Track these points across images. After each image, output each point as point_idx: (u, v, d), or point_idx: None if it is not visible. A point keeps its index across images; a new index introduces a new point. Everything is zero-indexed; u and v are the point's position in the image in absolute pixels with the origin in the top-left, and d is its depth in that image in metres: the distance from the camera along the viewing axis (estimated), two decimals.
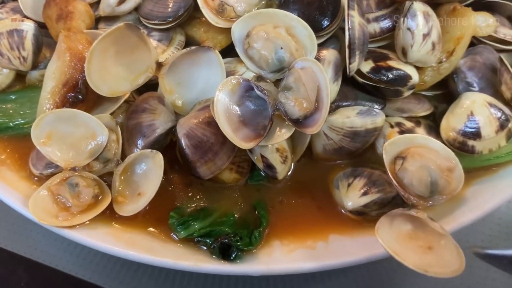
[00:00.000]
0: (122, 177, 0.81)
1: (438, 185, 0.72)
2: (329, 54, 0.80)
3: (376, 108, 0.83)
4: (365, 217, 0.79)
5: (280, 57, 0.77)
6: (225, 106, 0.76)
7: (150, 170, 0.79)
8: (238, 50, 0.81)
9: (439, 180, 0.72)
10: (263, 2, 0.87)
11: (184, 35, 0.89)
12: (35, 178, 0.85)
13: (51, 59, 0.84)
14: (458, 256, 0.66)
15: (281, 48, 0.77)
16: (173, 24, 0.86)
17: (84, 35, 0.84)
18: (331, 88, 0.78)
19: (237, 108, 0.77)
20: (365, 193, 0.78)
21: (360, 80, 0.82)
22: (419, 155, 0.73)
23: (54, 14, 0.91)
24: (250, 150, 0.80)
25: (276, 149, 0.79)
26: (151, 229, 0.79)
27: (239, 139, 0.74)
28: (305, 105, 0.73)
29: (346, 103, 0.83)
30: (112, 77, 0.80)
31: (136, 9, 0.90)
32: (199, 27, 0.87)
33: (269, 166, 0.79)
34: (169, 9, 0.86)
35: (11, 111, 0.91)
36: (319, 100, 0.75)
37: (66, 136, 0.80)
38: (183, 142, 0.79)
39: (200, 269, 0.73)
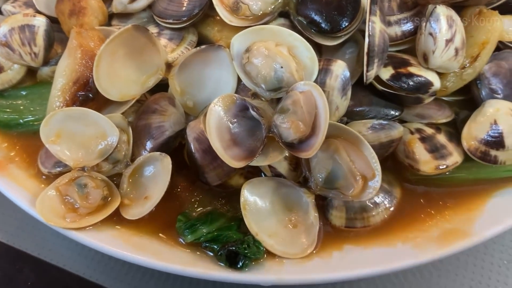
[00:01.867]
0: (130, 179, 0.79)
1: (336, 182, 0.73)
2: (337, 66, 0.76)
3: (392, 114, 0.81)
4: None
5: (279, 76, 0.75)
6: (218, 122, 0.74)
7: (159, 173, 0.78)
8: (236, 63, 0.79)
9: (340, 178, 0.73)
10: (279, 0, 0.84)
11: (197, 34, 0.87)
12: (43, 177, 0.84)
13: (62, 56, 0.83)
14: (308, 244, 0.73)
15: (281, 67, 0.74)
16: (187, 23, 0.84)
17: (96, 32, 0.82)
18: (339, 104, 0.76)
19: (230, 126, 0.75)
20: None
21: (380, 87, 0.79)
22: (336, 147, 0.73)
23: (67, 9, 0.89)
24: None
25: (284, 157, 0.77)
26: (159, 233, 0.77)
27: (229, 157, 0.71)
28: (302, 129, 0.71)
29: (360, 109, 0.81)
30: (122, 80, 0.78)
31: (150, 6, 0.87)
32: (212, 26, 0.85)
33: (278, 175, 0.77)
34: (184, 7, 0.84)
35: (21, 107, 0.90)
36: (316, 125, 0.72)
37: (76, 135, 0.79)
38: (193, 146, 0.78)
39: (209, 276, 0.71)
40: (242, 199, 0.75)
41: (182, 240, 0.76)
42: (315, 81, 0.76)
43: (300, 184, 0.77)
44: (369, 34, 0.72)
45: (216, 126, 0.73)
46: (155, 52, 0.80)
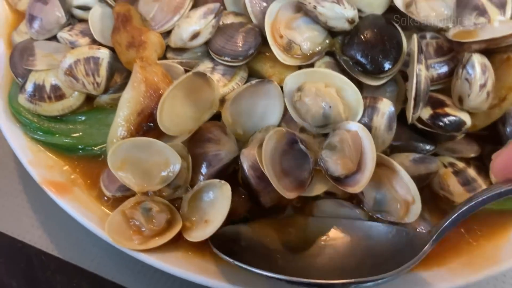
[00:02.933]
0: (190, 204, 0.86)
1: (383, 206, 0.82)
2: (384, 105, 0.84)
3: (427, 149, 0.89)
4: None
5: (326, 114, 0.83)
6: (271, 154, 0.81)
7: (217, 199, 0.84)
8: (286, 100, 0.86)
9: (386, 203, 0.82)
10: (326, 41, 0.92)
11: (247, 71, 0.94)
12: (105, 199, 0.90)
13: (126, 88, 0.89)
14: None
15: (330, 106, 0.82)
16: (242, 62, 0.91)
17: (159, 67, 0.88)
18: (385, 138, 0.84)
19: (281, 158, 0.82)
20: None
21: (419, 126, 0.87)
22: (379, 176, 0.81)
23: (124, 41, 0.95)
24: None
25: None
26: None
27: (282, 187, 0.79)
28: (350, 166, 0.79)
29: (399, 143, 0.89)
30: (180, 118, 0.84)
31: (206, 42, 0.94)
32: (265, 62, 0.92)
33: (330, 194, 0.85)
34: (240, 48, 0.90)
35: (81, 132, 0.96)
36: (363, 162, 0.80)
37: (140, 162, 0.84)
38: (248, 173, 0.84)
39: None
40: None
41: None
42: (362, 117, 0.84)
43: (356, 206, 0.85)
44: (416, 81, 0.80)
45: (269, 157, 0.81)
46: (210, 90, 0.86)
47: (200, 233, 0.83)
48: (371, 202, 0.82)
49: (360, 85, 0.90)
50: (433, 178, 0.88)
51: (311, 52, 0.90)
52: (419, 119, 0.87)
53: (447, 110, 0.87)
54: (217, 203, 0.84)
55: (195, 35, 0.91)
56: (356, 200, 0.86)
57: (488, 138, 0.95)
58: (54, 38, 1.05)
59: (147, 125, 0.88)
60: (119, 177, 0.84)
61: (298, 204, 0.88)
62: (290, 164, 0.83)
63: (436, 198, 0.90)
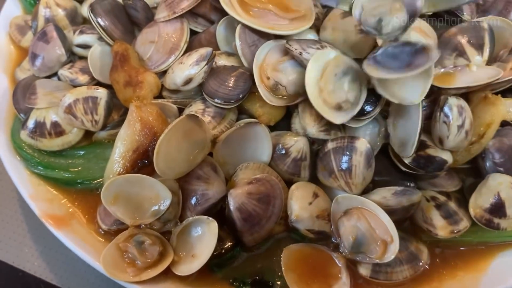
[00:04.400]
0: (179, 237, 0.89)
1: (361, 247, 0.85)
2: (360, 144, 0.88)
3: (407, 185, 0.93)
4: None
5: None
6: None
7: (205, 235, 0.88)
8: None
9: (364, 244, 0.85)
10: None
11: (237, 114, 0.98)
12: (102, 232, 0.94)
13: (123, 126, 0.93)
14: None
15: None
16: (233, 105, 0.95)
17: (154, 107, 0.93)
18: (365, 175, 0.88)
19: None
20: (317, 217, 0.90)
21: (403, 168, 0.92)
22: (358, 216, 0.85)
23: (122, 80, 1.00)
24: (295, 228, 0.90)
25: (316, 216, 0.90)
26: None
27: None
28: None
29: (379, 179, 0.93)
30: (175, 162, 0.87)
31: (200, 84, 0.97)
32: (255, 102, 0.96)
33: (319, 233, 0.89)
34: (232, 91, 0.94)
35: (79, 167, 1.01)
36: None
37: (132, 197, 0.88)
38: (234, 214, 0.87)
39: None
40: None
41: None
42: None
43: (333, 250, 0.89)
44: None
45: None
46: (202, 132, 0.89)
47: (187, 267, 0.87)
48: (349, 245, 0.86)
49: (342, 125, 0.95)
50: (416, 211, 0.91)
51: (295, 93, 0.94)
52: (402, 162, 0.91)
53: (429, 151, 0.91)
54: (204, 239, 0.88)
55: (188, 81, 0.95)
56: (333, 245, 0.90)
57: (469, 170, 0.99)
58: (55, 74, 1.11)
59: (142, 162, 0.92)
60: (112, 212, 0.88)
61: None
62: None
63: (419, 231, 0.94)
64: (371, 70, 0.83)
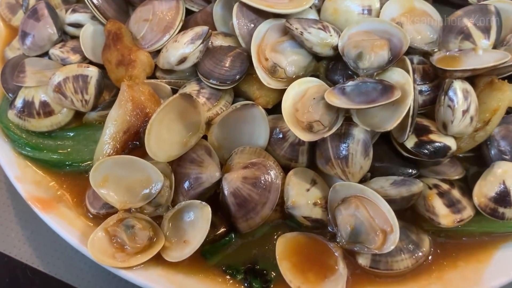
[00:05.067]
0: (170, 223, 0.86)
1: (359, 237, 0.82)
2: (358, 131, 0.84)
3: (409, 172, 0.89)
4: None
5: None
6: None
7: (197, 220, 0.85)
8: None
9: (363, 233, 0.81)
10: (312, 63, 0.93)
11: (233, 96, 0.94)
12: (90, 216, 0.91)
13: (113, 106, 0.90)
14: None
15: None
16: (229, 86, 0.91)
17: (146, 87, 0.90)
18: (362, 164, 0.84)
19: None
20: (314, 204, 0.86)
21: (405, 154, 0.87)
22: (356, 205, 0.82)
23: (114, 59, 0.97)
24: (291, 215, 0.87)
25: (313, 204, 0.86)
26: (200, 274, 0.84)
27: None
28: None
29: (381, 165, 0.89)
30: (167, 144, 0.85)
31: (195, 64, 0.94)
32: (252, 84, 0.93)
33: (316, 221, 0.86)
34: (228, 72, 0.90)
35: (68, 148, 0.97)
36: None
37: (122, 179, 0.85)
38: (229, 199, 0.85)
39: None
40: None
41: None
42: None
43: (329, 239, 0.85)
44: (414, 99, 0.81)
45: None
46: (196, 114, 0.86)
47: (178, 253, 0.83)
48: (347, 235, 0.82)
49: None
50: (418, 200, 0.88)
51: (295, 76, 0.91)
52: (404, 147, 0.87)
53: (432, 137, 0.87)
54: (197, 224, 0.84)
55: (182, 60, 0.92)
56: (329, 234, 0.87)
57: (473, 159, 0.96)
58: (46, 54, 1.07)
59: (133, 144, 0.89)
60: (100, 194, 0.85)
61: None
62: None
63: (421, 220, 0.90)
64: (332, 98, 0.82)
